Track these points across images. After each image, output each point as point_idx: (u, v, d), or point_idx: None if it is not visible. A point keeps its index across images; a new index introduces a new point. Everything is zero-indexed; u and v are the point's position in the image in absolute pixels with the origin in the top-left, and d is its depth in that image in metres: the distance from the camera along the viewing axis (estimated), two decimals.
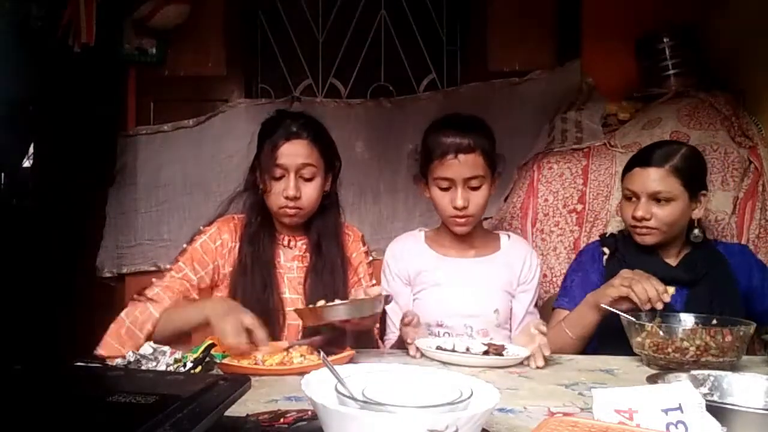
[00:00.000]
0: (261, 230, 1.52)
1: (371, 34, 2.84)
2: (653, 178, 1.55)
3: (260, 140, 1.54)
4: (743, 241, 2.00)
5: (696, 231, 1.62)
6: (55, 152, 2.48)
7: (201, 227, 1.55)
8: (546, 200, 2.17)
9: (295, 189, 1.46)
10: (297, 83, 2.83)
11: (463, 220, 1.58)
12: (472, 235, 1.68)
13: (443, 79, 2.82)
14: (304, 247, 1.57)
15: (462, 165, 1.52)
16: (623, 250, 1.64)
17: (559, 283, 2.10)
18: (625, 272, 1.44)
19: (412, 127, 2.64)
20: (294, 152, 1.47)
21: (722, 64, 2.40)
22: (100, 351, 1.32)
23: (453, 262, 1.65)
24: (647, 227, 1.56)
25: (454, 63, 2.84)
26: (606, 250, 1.67)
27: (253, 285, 1.46)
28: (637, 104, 2.47)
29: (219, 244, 1.50)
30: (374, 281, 1.64)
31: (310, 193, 1.49)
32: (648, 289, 1.36)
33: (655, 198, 1.55)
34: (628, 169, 1.62)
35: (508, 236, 1.74)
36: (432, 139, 1.57)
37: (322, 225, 1.56)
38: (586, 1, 2.64)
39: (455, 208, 1.55)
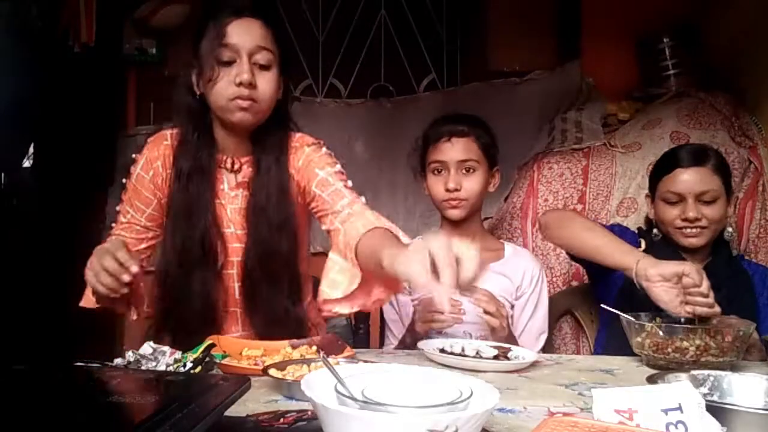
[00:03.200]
0: (199, 148, 1.28)
1: (371, 34, 2.84)
2: (699, 178, 1.53)
3: (201, 25, 1.28)
4: (743, 241, 2.00)
5: (729, 229, 1.61)
6: (55, 152, 2.48)
7: (132, 155, 1.34)
8: (546, 200, 2.17)
9: (249, 73, 1.21)
10: (297, 83, 2.83)
11: (455, 202, 1.59)
12: (472, 238, 1.68)
13: (443, 79, 2.82)
14: (250, 170, 1.32)
15: (454, 147, 1.58)
16: (652, 251, 1.63)
17: (560, 283, 2.10)
18: (704, 281, 1.30)
19: (412, 127, 2.64)
20: (247, 31, 1.24)
21: (722, 64, 2.40)
22: (83, 303, 1.26)
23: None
24: (699, 227, 1.54)
25: (454, 63, 2.84)
26: (643, 243, 1.65)
27: (188, 221, 1.26)
28: (637, 104, 2.47)
29: (152, 175, 1.30)
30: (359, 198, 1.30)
31: (265, 84, 1.25)
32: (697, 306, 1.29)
33: (701, 198, 1.53)
34: (664, 171, 1.59)
35: (514, 248, 1.73)
36: (429, 129, 1.65)
37: (267, 139, 1.31)
38: (586, 1, 2.65)
39: (447, 190, 1.57)
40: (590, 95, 2.53)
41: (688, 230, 1.55)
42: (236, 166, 1.32)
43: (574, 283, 2.08)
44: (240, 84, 1.21)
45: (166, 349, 1.04)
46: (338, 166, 1.32)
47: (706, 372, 0.98)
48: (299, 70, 2.83)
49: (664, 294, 1.32)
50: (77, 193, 2.48)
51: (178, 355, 1.04)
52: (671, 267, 1.32)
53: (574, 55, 2.62)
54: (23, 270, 2.17)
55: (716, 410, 0.74)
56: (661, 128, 2.20)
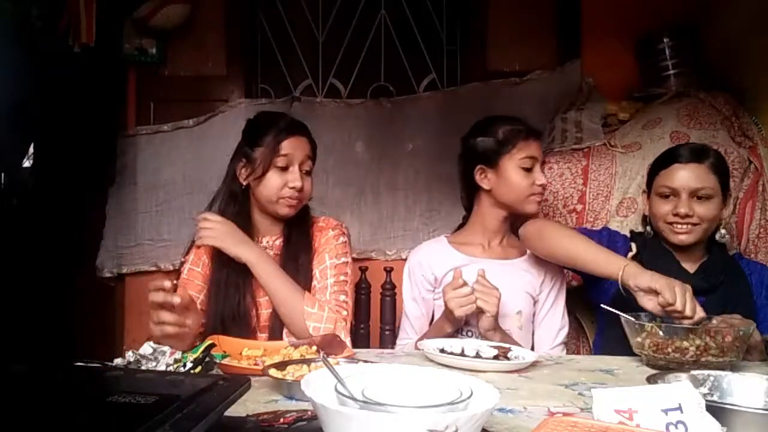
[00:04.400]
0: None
1: (371, 34, 2.83)
2: (695, 175, 1.54)
3: (252, 136, 1.57)
4: (743, 241, 2.00)
5: (723, 231, 1.61)
6: (55, 152, 2.48)
7: (182, 257, 1.61)
8: (546, 200, 2.17)
9: (300, 181, 1.52)
10: (297, 83, 2.83)
11: (541, 197, 1.68)
12: (501, 236, 1.73)
13: (443, 79, 2.82)
14: (279, 243, 1.60)
15: (539, 146, 1.68)
16: (645, 251, 1.62)
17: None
18: (679, 287, 1.30)
19: (412, 127, 2.65)
20: (299, 146, 1.54)
21: (722, 64, 2.39)
22: None
23: (479, 263, 1.64)
24: (689, 224, 1.54)
25: (454, 63, 2.83)
26: (634, 247, 1.65)
27: (227, 288, 1.50)
28: (637, 104, 2.46)
29: (202, 267, 1.55)
30: (345, 279, 1.57)
31: (309, 186, 1.57)
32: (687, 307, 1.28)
33: (696, 195, 1.54)
34: (662, 166, 1.61)
35: None
36: (503, 129, 1.66)
37: (296, 219, 1.60)
38: (586, 1, 2.64)
39: (539, 185, 1.64)
40: (590, 95, 2.52)
41: (679, 226, 1.56)
42: (269, 242, 1.59)
43: (574, 284, 2.08)
44: (293, 187, 1.51)
45: (166, 349, 1.04)
46: (344, 258, 1.58)
47: (706, 372, 0.98)
48: (299, 70, 2.84)
49: (647, 303, 1.33)
50: (77, 193, 2.48)
51: (178, 355, 1.04)
52: (645, 281, 1.32)
53: (574, 55, 2.62)
54: (23, 270, 2.17)
55: (716, 410, 0.74)
56: (661, 128, 2.19)
